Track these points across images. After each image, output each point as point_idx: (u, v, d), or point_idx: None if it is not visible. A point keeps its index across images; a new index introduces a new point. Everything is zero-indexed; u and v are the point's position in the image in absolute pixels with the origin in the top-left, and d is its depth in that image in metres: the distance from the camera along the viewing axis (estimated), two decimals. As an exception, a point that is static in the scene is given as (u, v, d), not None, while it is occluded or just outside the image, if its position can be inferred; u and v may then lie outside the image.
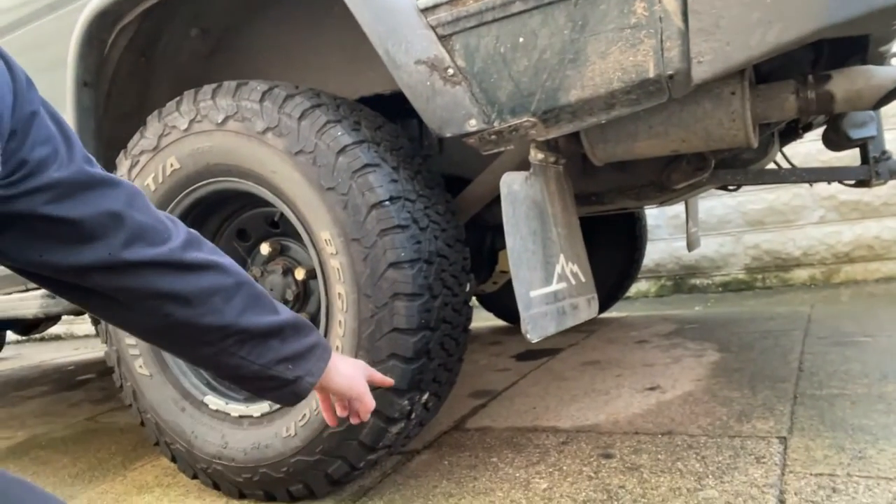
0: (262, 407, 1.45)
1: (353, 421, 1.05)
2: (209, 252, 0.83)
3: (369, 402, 1.03)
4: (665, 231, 4.00)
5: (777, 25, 1.00)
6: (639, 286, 4.14)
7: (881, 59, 1.40)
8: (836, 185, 3.50)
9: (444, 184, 1.49)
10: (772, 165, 2.12)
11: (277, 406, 1.42)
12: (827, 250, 3.58)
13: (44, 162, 0.66)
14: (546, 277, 1.22)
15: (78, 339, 6.01)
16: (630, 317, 3.31)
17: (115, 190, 0.74)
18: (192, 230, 0.84)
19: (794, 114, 1.24)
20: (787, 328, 2.43)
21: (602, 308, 3.23)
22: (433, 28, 1.23)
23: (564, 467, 1.39)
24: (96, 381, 3.40)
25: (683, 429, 1.51)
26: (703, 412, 1.60)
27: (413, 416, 1.35)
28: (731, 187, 2.42)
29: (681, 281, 4.04)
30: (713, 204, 3.82)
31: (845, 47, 1.34)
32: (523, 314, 1.11)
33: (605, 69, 1.12)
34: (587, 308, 1.36)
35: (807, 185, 3.57)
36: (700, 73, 1.06)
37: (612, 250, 3.08)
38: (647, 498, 1.19)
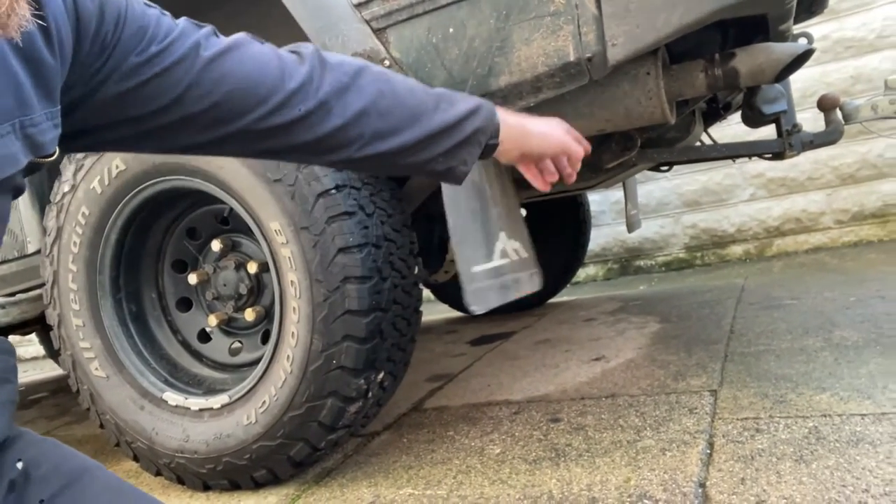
0: (222, 398, 1.48)
1: (568, 180, 1.00)
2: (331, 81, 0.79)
3: (576, 151, 0.99)
4: (609, 216, 4.16)
5: (680, 8, 1.10)
6: (587, 271, 4.28)
7: (783, 37, 1.52)
8: (763, 163, 3.71)
9: (388, 172, 1.55)
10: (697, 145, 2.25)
11: (238, 396, 1.46)
12: (759, 225, 3.78)
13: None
14: (487, 254, 1.29)
15: (26, 362, 5.82)
16: (579, 299, 3.43)
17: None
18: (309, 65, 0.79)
19: (704, 90, 1.35)
20: (722, 298, 2.58)
21: (552, 292, 3.35)
22: (367, 22, 1.29)
23: (516, 433, 1.47)
24: (49, 398, 3.33)
25: (625, 391, 1.61)
26: (644, 375, 1.71)
27: (370, 395, 1.41)
28: (663, 169, 2.56)
29: (626, 263, 4.20)
30: (651, 188, 3.99)
31: (749, 28, 1.45)
32: (466, 288, 1.18)
33: (530, 55, 1.21)
34: (529, 282, 1.44)
35: (737, 165, 3.78)
36: (615, 54, 1.15)
37: (558, 236, 3.20)
38: (591, 452, 1.29)
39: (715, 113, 2.22)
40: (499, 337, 2.66)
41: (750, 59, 1.30)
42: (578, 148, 0.98)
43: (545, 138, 0.96)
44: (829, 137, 1.88)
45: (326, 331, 1.33)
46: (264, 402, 1.40)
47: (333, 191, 1.33)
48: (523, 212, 3.18)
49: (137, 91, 0.68)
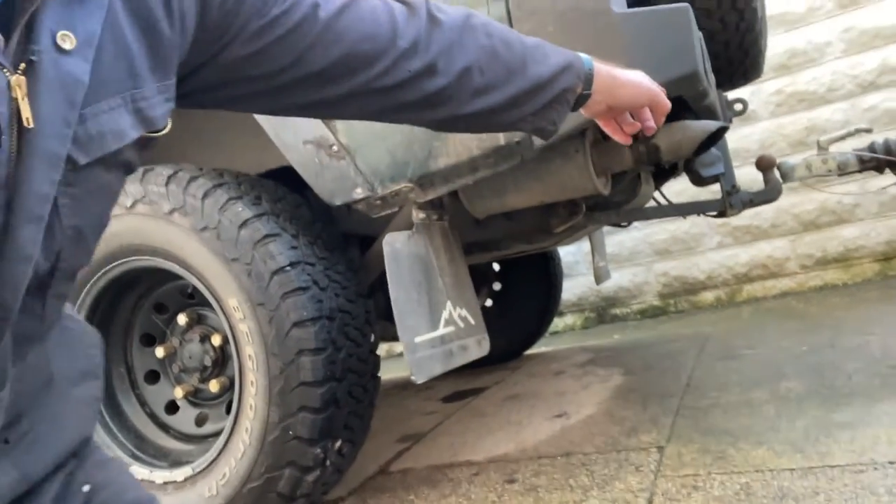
0: (186, 471, 1.52)
1: (648, 132, 0.98)
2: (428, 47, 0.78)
3: (664, 103, 0.96)
4: (583, 266, 4.24)
5: (594, 98, 1.20)
6: (565, 320, 4.35)
7: (710, 110, 1.64)
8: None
9: (344, 245, 1.64)
10: (652, 202, 2.36)
11: (200, 468, 1.50)
12: (728, 272, 3.88)
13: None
14: (432, 323, 1.37)
15: None
16: (554, 350, 3.49)
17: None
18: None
19: (631, 164, 1.46)
20: (686, 348, 2.65)
21: (527, 345, 3.40)
22: (316, 112, 1.39)
23: (473, 496, 1.52)
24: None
25: (580, 449, 1.66)
26: (599, 432, 1.76)
27: (328, 463, 1.46)
28: (623, 224, 2.66)
29: (603, 312, 4.27)
30: (623, 237, 4.10)
31: (674, 105, 1.57)
32: (408, 358, 1.25)
33: (465, 139, 1.31)
34: (477, 347, 1.51)
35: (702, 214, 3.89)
36: (539, 139, 1.26)
37: (530, 290, 3.26)
38: (539, 513, 1.33)
39: (667, 173, 2.34)
40: (471, 393, 2.70)
41: (669, 137, 1.41)
42: (666, 100, 0.94)
43: (636, 88, 0.92)
44: (767, 196, 1.99)
45: (283, 402, 1.39)
46: (224, 474, 1.45)
47: (288, 268, 1.41)
48: (496, 266, 3.27)
49: (257, 54, 0.67)
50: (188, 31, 0.62)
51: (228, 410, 1.67)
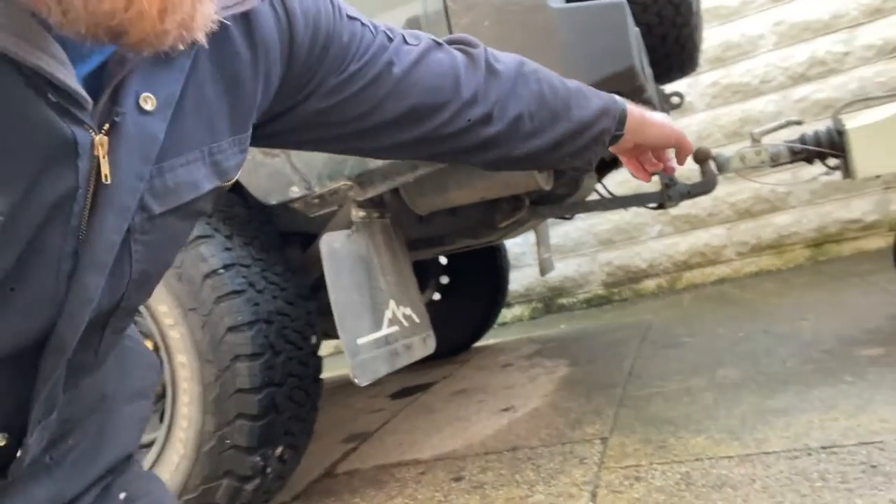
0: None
1: (670, 172, 1.01)
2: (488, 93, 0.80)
3: (688, 145, 0.98)
4: (530, 257, 4.28)
5: (533, 93, 1.19)
6: (513, 311, 4.38)
7: (648, 104, 1.65)
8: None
9: (282, 245, 1.58)
10: (594, 195, 2.38)
11: (152, 459, 1.43)
12: (668, 260, 3.98)
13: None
14: (375, 324, 1.34)
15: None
16: (502, 342, 3.50)
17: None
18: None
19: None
20: (629, 337, 2.70)
21: (475, 338, 3.41)
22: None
23: (419, 496, 1.50)
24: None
25: (526, 443, 1.67)
26: (545, 425, 1.77)
27: (268, 470, 1.41)
28: (566, 217, 2.68)
29: (549, 302, 4.32)
30: (568, 228, 4.15)
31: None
32: (351, 361, 1.22)
33: (403, 136, 1.28)
34: (422, 346, 1.49)
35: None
36: (479, 135, 1.23)
37: (477, 283, 3.27)
38: (485, 512, 1.33)
39: (608, 165, 2.36)
40: (419, 389, 2.69)
41: (608, 132, 1.41)
42: (690, 142, 0.97)
43: (663, 129, 0.95)
44: (704, 188, 2.03)
45: (218, 410, 1.34)
46: (176, 462, 1.38)
47: (221, 270, 1.35)
48: (443, 260, 3.25)
49: (332, 107, 0.70)
50: (271, 89, 0.64)
51: (162, 420, 1.61)
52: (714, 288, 3.73)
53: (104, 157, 0.51)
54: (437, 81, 0.76)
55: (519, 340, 3.43)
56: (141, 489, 0.72)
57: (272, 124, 0.69)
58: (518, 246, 4.26)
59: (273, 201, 1.37)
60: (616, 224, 4.05)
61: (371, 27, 0.72)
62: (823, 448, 1.23)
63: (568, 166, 0.92)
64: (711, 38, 3.77)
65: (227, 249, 1.39)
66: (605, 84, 1.25)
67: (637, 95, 1.49)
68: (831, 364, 1.71)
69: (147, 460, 1.42)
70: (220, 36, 0.59)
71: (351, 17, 0.70)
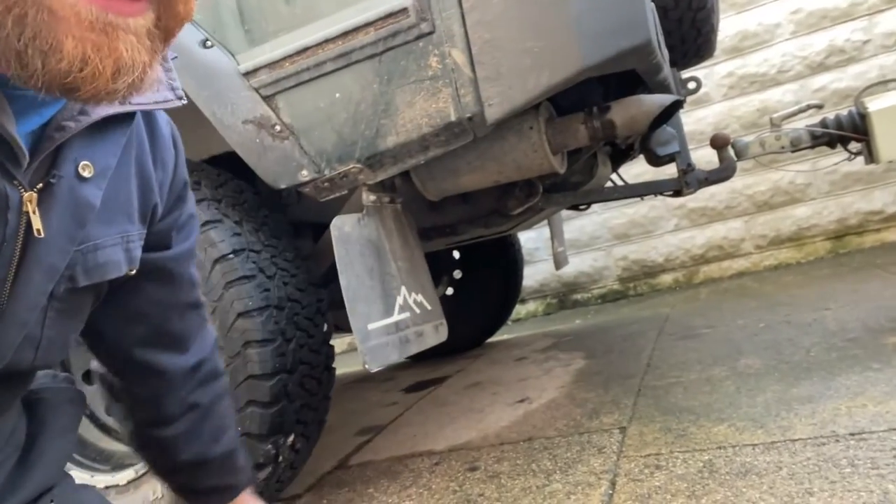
0: (128, 474, 1.44)
1: None
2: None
3: None
4: (544, 252, 4.24)
5: (547, 70, 1.16)
6: (527, 307, 4.34)
7: (664, 85, 1.61)
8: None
9: (293, 232, 1.56)
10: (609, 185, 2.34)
11: (143, 471, 1.42)
12: (685, 254, 3.92)
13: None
14: (386, 310, 1.31)
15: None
16: (516, 338, 3.47)
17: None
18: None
19: (586, 141, 1.42)
20: (646, 329, 2.65)
21: (489, 332, 3.37)
22: (256, 90, 1.32)
23: (433, 486, 1.47)
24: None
25: (542, 433, 1.63)
26: (562, 415, 1.73)
27: (280, 459, 1.39)
28: (581, 207, 2.64)
29: (564, 298, 4.28)
30: (583, 222, 4.10)
31: (628, 80, 1.54)
32: (361, 347, 1.19)
33: (414, 116, 1.25)
34: (434, 334, 1.46)
35: (659, 198, 3.92)
36: (492, 114, 1.21)
37: (491, 277, 3.23)
38: (501, 500, 1.29)
39: (623, 154, 2.32)
40: (433, 382, 2.66)
41: (623, 111, 1.37)
42: None
43: None
44: (722, 174, 1.99)
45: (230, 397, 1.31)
46: (170, 475, 1.37)
47: (231, 255, 1.33)
48: (456, 254, 3.22)
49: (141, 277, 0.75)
50: (163, 202, 0.74)
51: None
52: (732, 282, 3.66)
53: (34, 213, 0.53)
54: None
55: (533, 335, 3.39)
56: (73, 499, 0.73)
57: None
58: (532, 241, 4.23)
59: (283, 185, 1.34)
60: (631, 218, 4.00)
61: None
62: (852, 435, 1.19)
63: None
64: (728, 27, 3.71)
65: (237, 235, 1.37)
66: (620, 60, 1.21)
67: (653, 75, 1.45)
68: (857, 352, 1.66)
69: (158, 449, 1.40)
70: (140, 135, 0.67)
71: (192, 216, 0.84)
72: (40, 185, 0.54)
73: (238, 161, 1.50)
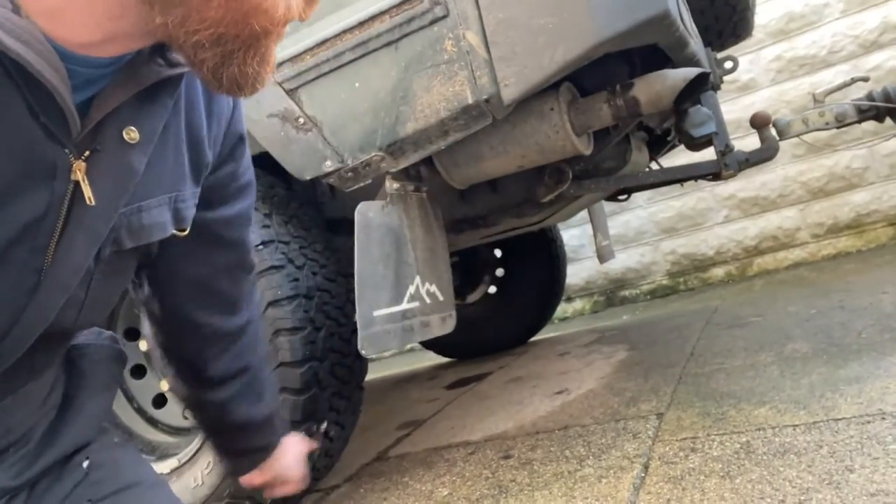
0: (172, 463, 1.49)
1: (267, 495, 1.03)
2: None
3: (293, 488, 1.02)
4: (589, 249, 4.17)
5: (561, 46, 1.15)
6: (574, 305, 4.28)
7: (691, 62, 1.57)
8: (733, 184, 3.72)
9: (323, 224, 1.59)
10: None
11: (186, 459, 1.46)
12: (737, 246, 3.79)
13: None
14: (395, 297, 1.31)
15: None
16: (561, 335, 3.42)
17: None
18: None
19: (610, 120, 1.39)
20: (693, 321, 2.57)
21: (532, 331, 3.33)
22: (279, 84, 1.35)
23: (467, 474, 1.46)
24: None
25: (578, 421, 1.60)
26: (599, 404, 1.70)
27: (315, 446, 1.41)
28: (620, 198, 2.59)
29: (612, 295, 4.19)
30: (628, 217, 4.02)
31: (653, 57, 1.51)
32: (361, 332, 1.19)
33: (432, 101, 1.26)
34: (441, 324, 1.45)
35: (708, 188, 3.81)
36: (508, 94, 1.20)
37: (532, 275, 3.19)
38: (532, 486, 1.28)
39: (661, 141, 2.26)
40: (474, 379, 2.65)
41: (647, 88, 1.34)
42: (294, 487, 1.03)
43: (287, 468, 1.00)
44: (764, 154, 1.91)
45: (262, 385, 1.34)
46: (209, 462, 1.41)
47: (260, 246, 1.37)
48: (498, 253, 3.21)
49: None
50: (215, 154, 0.73)
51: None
52: (789, 273, 3.51)
53: (84, 181, 0.54)
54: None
55: (578, 332, 3.34)
56: (108, 458, 0.74)
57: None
58: (576, 238, 4.17)
59: (308, 176, 1.37)
60: (678, 211, 3.89)
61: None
62: (901, 412, 1.12)
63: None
64: (773, 9, 3.59)
65: (266, 227, 1.40)
66: (637, 34, 1.19)
67: (678, 50, 1.42)
68: (913, 333, 1.57)
69: (198, 437, 1.45)
70: (191, 92, 0.67)
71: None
72: (87, 152, 0.55)
73: (271, 159, 1.54)
